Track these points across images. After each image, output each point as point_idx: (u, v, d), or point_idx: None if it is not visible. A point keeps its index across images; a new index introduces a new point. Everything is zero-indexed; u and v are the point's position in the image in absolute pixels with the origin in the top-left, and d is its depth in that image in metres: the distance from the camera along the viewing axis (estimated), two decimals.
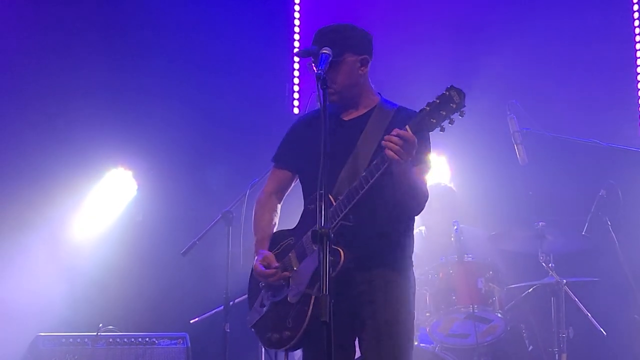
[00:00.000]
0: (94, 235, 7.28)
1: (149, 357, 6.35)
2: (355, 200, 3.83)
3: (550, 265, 6.47)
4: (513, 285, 6.63)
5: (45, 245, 6.97)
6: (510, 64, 7.52)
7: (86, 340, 6.25)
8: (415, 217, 4.17)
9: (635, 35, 7.85)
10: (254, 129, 7.66)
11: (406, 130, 3.66)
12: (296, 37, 7.99)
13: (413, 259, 4.16)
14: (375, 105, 4.11)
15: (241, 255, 5.98)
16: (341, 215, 3.87)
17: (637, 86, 7.79)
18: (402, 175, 3.79)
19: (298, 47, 7.96)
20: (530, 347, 6.67)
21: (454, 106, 3.55)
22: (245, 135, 7.68)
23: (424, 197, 3.97)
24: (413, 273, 4.12)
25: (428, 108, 3.62)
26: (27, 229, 6.89)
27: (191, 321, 6.59)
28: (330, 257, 3.72)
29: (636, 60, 7.81)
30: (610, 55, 7.72)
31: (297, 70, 7.98)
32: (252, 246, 4.88)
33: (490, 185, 7.21)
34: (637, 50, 7.83)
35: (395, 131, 3.67)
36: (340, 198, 3.88)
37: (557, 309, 6.35)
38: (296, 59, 7.97)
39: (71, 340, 6.23)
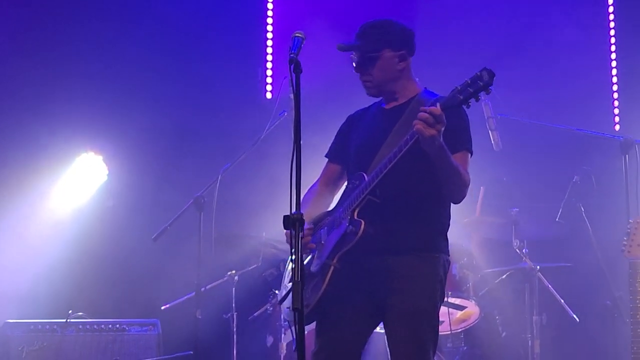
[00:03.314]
0: (64, 220, 7.24)
1: (119, 343, 6.33)
2: (382, 174, 3.95)
3: (524, 251, 6.52)
4: (487, 271, 6.71)
5: (14, 230, 6.96)
6: (485, 49, 7.56)
7: (55, 327, 6.21)
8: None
9: (610, 21, 7.88)
10: (227, 114, 7.67)
11: (435, 106, 3.77)
12: (269, 20, 7.95)
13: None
14: (415, 96, 4.20)
15: (212, 241, 6.08)
16: (369, 189, 3.98)
17: (611, 72, 7.84)
18: (436, 157, 3.86)
19: (272, 32, 7.95)
20: (504, 333, 6.73)
21: (482, 84, 3.67)
22: (218, 120, 7.68)
23: (463, 183, 4.00)
24: (444, 259, 4.14)
25: (459, 87, 3.75)
26: None
27: (162, 307, 6.61)
28: (352, 227, 3.99)
29: (610, 47, 7.86)
30: (585, 43, 7.74)
31: (270, 54, 7.97)
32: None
33: None
34: (611, 37, 7.85)
35: (423, 108, 3.79)
36: (371, 174, 4.02)
37: (531, 294, 6.43)
38: (269, 43, 7.97)
39: (40, 327, 6.19)
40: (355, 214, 4.01)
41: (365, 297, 4.09)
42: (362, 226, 3.96)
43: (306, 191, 4.46)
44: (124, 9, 7.57)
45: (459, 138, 4.04)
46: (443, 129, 3.74)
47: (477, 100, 3.71)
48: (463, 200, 4.15)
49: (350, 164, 4.30)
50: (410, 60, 4.21)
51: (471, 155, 4.11)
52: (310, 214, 4.25)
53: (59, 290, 6.88)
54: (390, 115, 4.17)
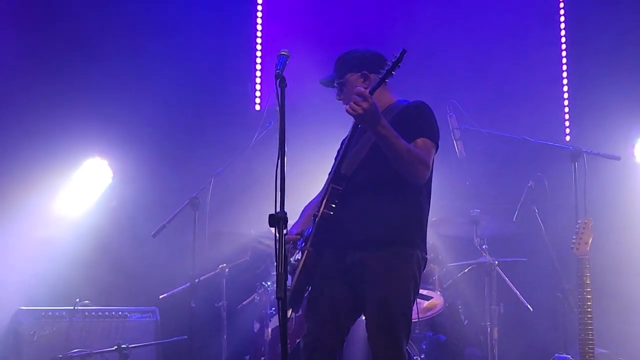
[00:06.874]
0: (73, 218, 7.33)
1: (122, 329, 6.52)
2: (338, 159, 4.20)
3: (484, 247, 6.68)
4: (451, 265, 6.83)
5: (28, 226, 7.01)
6: (451, 66, 7.81)
7: (64, 313, 6.39)
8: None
9: (561, 36, 7.98)
10: (220, 124, 7.76)
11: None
12: (258, 40, 8.08)
13: None
14: (389, 105, 4.35)
15: (206, 237, 6.30)
16: (330, 177, 4.19)
17: (562, 87, 7.99)
18: (377, 135, 4.00)
19: (261, 50, 8.06)
20: (466, 321, 6.91)
21: (394, 61, 3.98)
22: (212, 129, 7.75)
23: (416, 160, 4.04)
24: (419, 255, 4.21)
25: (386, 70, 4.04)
26: (12, 210, 6.95)
27: (160, 296, 6.75)
28: (316, 212, 4.14)
29: (562, 66, 8.00)
30: (539, 60, 7.90)
31: (259, 71, 8.05)
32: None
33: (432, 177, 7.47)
34: (562, 50, 7.96)
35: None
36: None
37: (490, 286, 6.52)
38: (258, 60, 8.05)
39: (50, 313, 6.36)
40: (323, 203, 4.12)
41: (346, 287, 4.23)
42: (322, 208, 4.09)
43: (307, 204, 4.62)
44: (129, 20, 7.61)
45: (418, 126, 4.16)
46: (370, 106, 3.90)
47: (390, 75, 3.97)
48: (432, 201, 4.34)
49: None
50: (377, 77, 4.18)
51: (436, 147, 4.19)
52: (304, 223, 4.44)
53: (67, 281, 6.94)
54: None
